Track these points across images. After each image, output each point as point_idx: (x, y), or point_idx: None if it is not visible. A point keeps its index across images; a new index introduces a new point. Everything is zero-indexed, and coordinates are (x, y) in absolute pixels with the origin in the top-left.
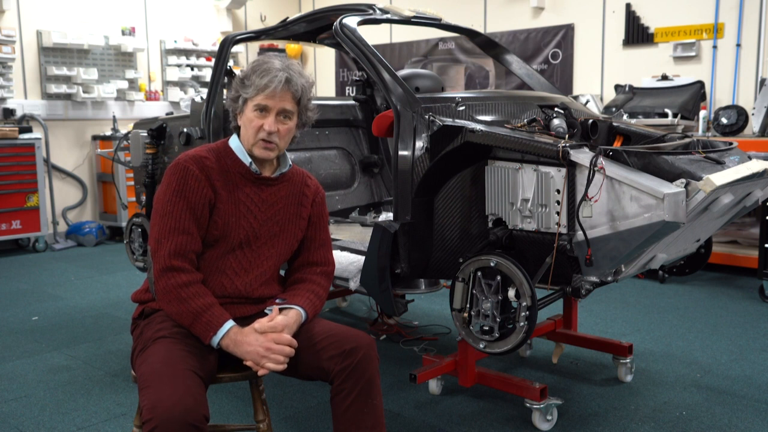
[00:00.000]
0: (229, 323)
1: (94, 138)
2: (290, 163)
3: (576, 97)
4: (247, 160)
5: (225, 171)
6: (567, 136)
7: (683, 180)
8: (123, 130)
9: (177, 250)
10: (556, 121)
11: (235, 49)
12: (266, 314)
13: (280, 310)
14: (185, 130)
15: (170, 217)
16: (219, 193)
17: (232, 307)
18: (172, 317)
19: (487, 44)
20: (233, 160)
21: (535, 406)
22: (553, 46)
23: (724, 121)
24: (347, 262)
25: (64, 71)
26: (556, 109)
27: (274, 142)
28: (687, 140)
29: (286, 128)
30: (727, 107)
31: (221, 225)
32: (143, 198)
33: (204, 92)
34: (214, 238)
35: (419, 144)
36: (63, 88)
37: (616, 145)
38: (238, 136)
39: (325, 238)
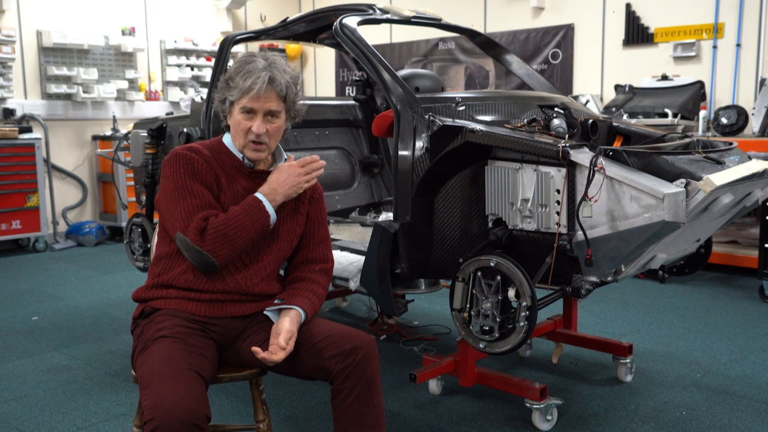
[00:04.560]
0: (259, 196)
1: (94, 138)
2: (285, 156)
3: (576, 97)
4: (239, 154)
5: (221, 164)
6: (567, 136)
7: (683, 180)
8: (123, 130)
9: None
10: (556, 121)
11: (235, 49)
12: (266, 315)
13: (280, 311)
14: (185, 130)
15: (192, 196)
16: (220, 181)
17: (233, 304)
18: (235, 252)
19: (487, 44)
20: (227, 154)
21: (535, 406)
22: (553, 46)
23: (724, 121)
24: (347, 262)
25: (64, 71)
26: (556, 109)
27: (264, 143)
28: (687, 140)
29: (274, 127)
30: (727, 107)
31: None
32: (143, 198)
33: (204, 92)
34: None
35: (419, 144)
36: (63, 88)
37: (616, 145)
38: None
39: (323, 235)
